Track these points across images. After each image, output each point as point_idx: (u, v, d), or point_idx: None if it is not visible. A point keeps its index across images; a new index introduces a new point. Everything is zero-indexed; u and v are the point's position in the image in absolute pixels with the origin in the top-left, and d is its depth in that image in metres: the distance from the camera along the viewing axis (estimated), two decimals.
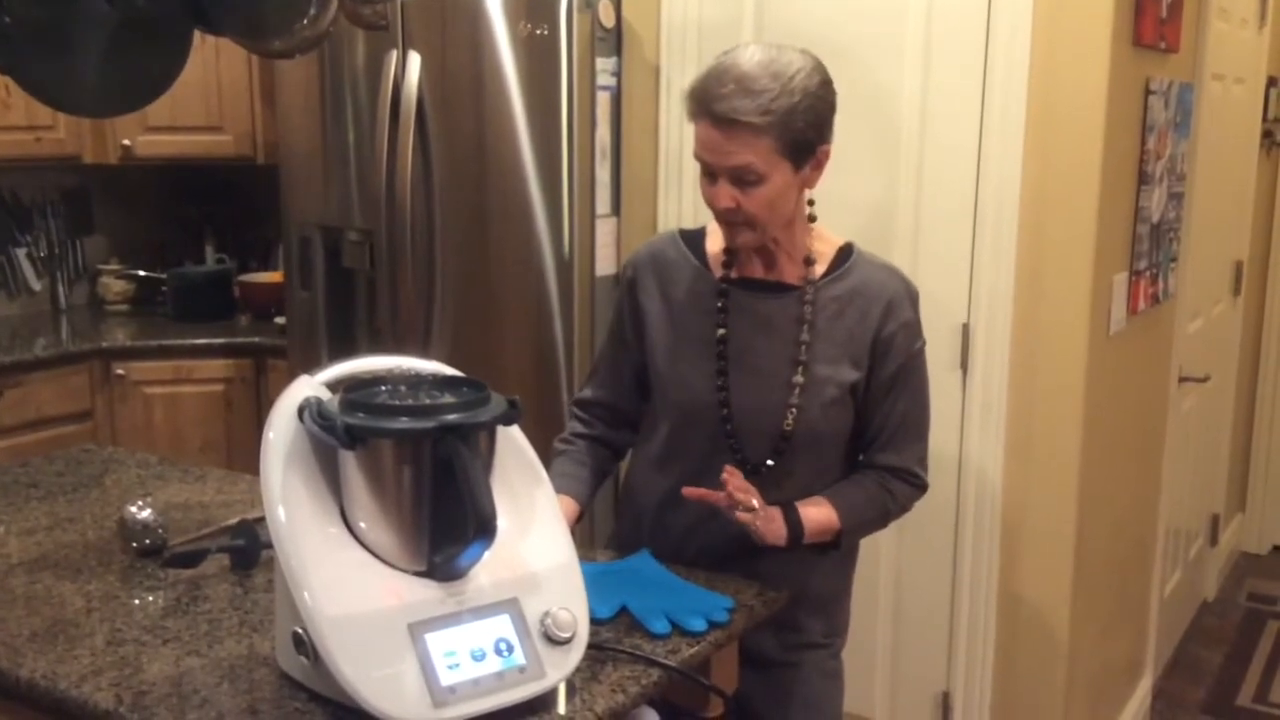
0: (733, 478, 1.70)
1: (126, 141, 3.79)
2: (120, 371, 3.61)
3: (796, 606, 1.84)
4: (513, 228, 3.04)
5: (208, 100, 3.81)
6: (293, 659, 1.40)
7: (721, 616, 1.64)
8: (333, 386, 1.47)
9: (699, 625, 1.61)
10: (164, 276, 4.12)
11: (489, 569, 1.41)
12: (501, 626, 1.39)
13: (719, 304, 1.84)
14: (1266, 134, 4.23)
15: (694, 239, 1.91)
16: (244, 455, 3.57)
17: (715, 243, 1.87)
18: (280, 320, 3.72)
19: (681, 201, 3.01)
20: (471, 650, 1.36)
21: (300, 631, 1.35)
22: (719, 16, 2.90)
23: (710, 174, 1.73)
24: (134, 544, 1.83)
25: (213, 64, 3.78)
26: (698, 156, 1.73)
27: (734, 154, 1.67)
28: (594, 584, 1.54)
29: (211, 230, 4.37)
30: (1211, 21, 3.14)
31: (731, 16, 2.88)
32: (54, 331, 3.83)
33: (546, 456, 1.68)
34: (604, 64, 3.01)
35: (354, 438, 1.35)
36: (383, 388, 1.44)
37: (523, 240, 3.03)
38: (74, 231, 4.15)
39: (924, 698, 2.87)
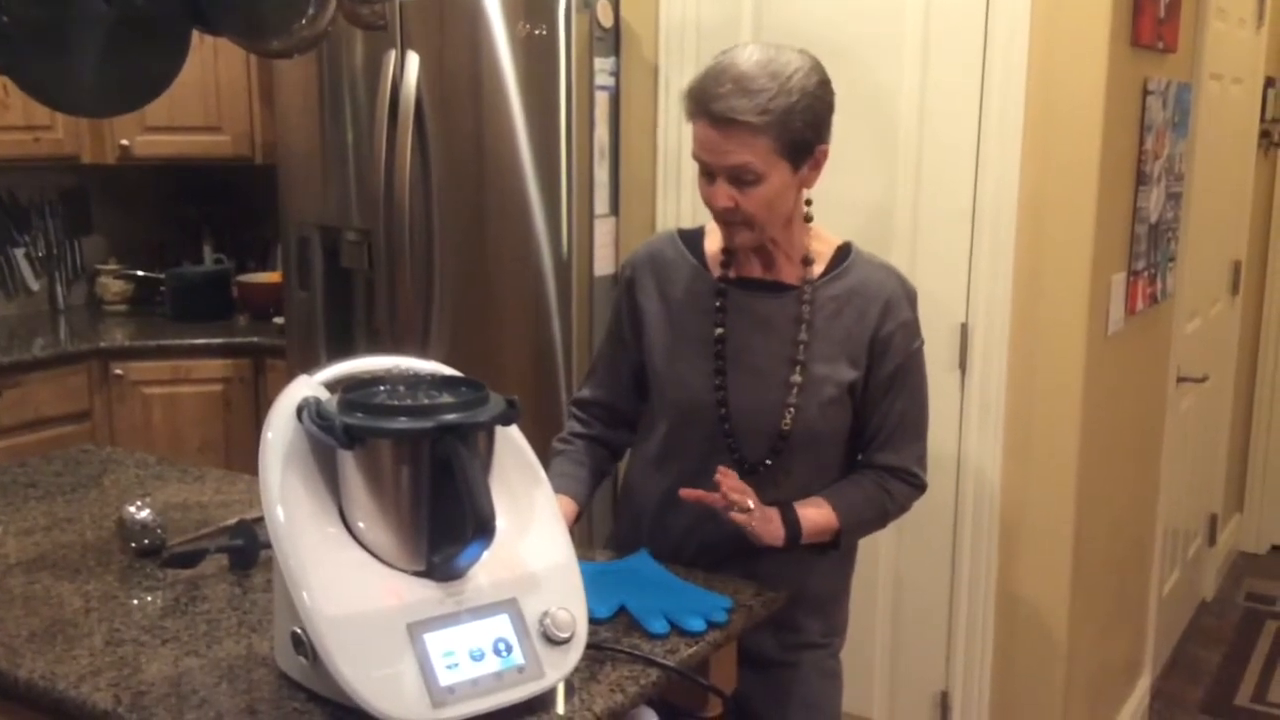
0: (726, 479, 1.70)
1: (125, 141, 3.79)
2: (119, 371, 3.61)
3: (795, 606, 1.84)
4: (511, 227, 3.04)
5: (206, 100, 3.81)
6: (291, 659, 1.40)
7: (720, 616, 1.64)
8: (331, 386, 1.47)
9: (698, 625, 1.61)
10: (162, 276, 4.12)
11: (488, 569, 1.41)
12: (500, 626, 1.39)
13: (717, 303, 1.84)
14: (1264, 134, 4.23)
15: (692, 239, 1.91)
16: (243, 455, 3.57)
17: (714, 242, 1.87)
18: (279, 320, 3.72)
19: (680, 201, 3.01)
20: (470, 650, 1.36)
21: (299, 631, 1.35)
22: (717, 16, 2.90)
23: (708, 174, 1.73)
24: (133, 544, 1.83)
25: (211, 64, 3.78)
26: (696, 156, 1.73)
27: (732, 153, 1.67)
28: (593, 584, 1.54)
29: (210, 230, 4.37)
30: (1209, 21, 3.14)
31: (730, 16, 2.88)
32: (52, 332, 3.83)
33: (545, 456, 1.68)
34: (602, 64, 3.02)
35: (353, 438, 1.35)
36: (381, 388, 1.44)
37: (521, 240, 3.03)
38: (72, 231, 4.15)
39: (923, 697, 2.87)
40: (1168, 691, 3.58)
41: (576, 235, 3.00)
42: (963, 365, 2.69)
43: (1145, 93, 2.73)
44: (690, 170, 1.94)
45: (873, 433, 1.86)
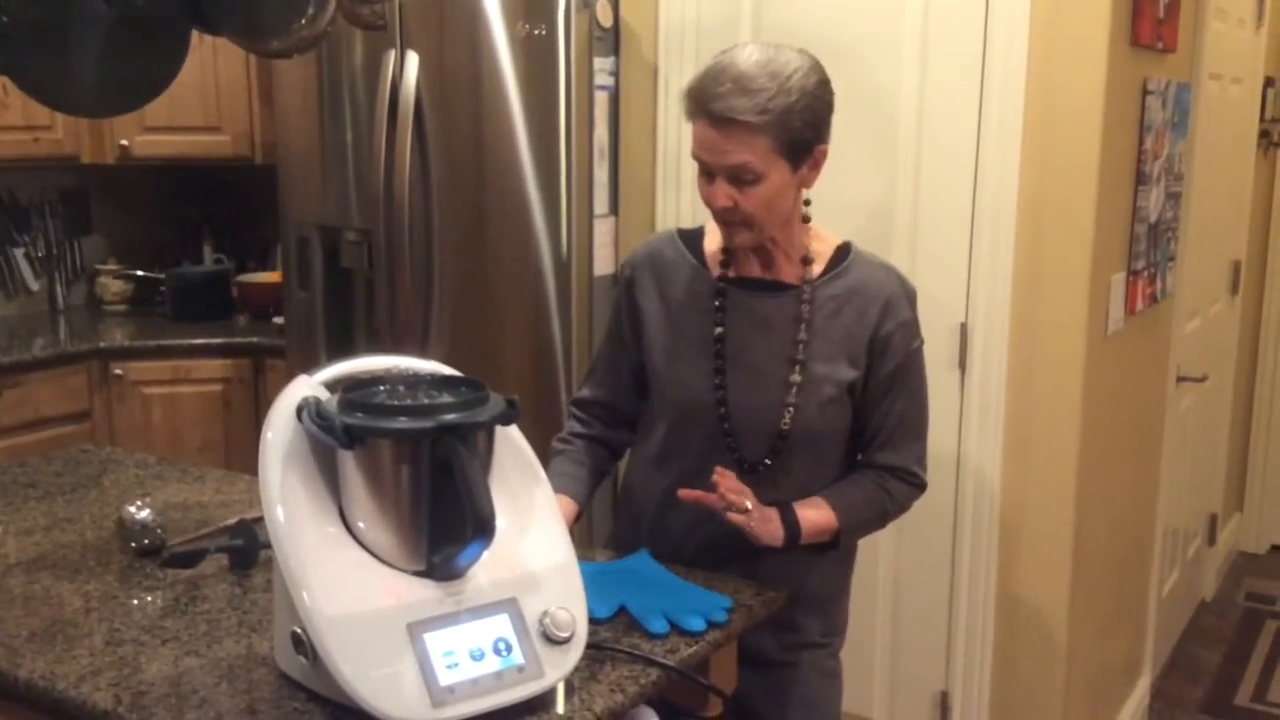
0: (724, 479, 1.70)
1: (124, 141, 3.79)
2: (118, 372, 3.61)
3: (795, 606, 1.84)
4: (511, 227, 3.04)
5: (206, 100, 3.81)
6: (291, 659, 1.40)
7: (720, 616, 1.64)
8: (331, 386, 1.47)
9: (698, 625, 1.61)
10: (162, 276, 4.12)
11: (487, 569, 1.41)
12: (500, 626, 1.39)
13: (716, 303, 1.84)
14: (1264, 134, 4.24)
15: (692, 238, 1.91)
16: (242, 455, 3.57)
17: (713, 242, 1.87)
18: (278, 320, 3.72)
19: (679, 201, 3.01)
20: (470, 650, 1.36)
21: (299, 631, 1.35)
22: (717, 16, 2.90)
23: (708, 173, 1.73)
24: (132, 544, 1.83)
25: (211, 64, 3.78)
26: (695, 156, 1.73)
27: (731, 153, 1.67)
28: (593, 584, 1.54)
29: (210, 230, 4.37)
30: (1209, 21, 3.15)
31: (729, 16, 2.88)
32: (52, 332, 3.83)
33: (545, 456, 1.68)
34: (602, 64, 3.02)
35: (352, 437, 1.35)
36: (381, 387, 1.44)
37: (521, 240, 3.03)
38: (72, 231, 4.15)
39: (922, 697, 2.87)
40: (1168, 691, 3.58)
41: (576, 235, 3.00)
42: (962, 365, 2.69)
43: (1145, 93, 2.73)
44: (690, 170, 1.94)
45: (872, 432, 1.86)
